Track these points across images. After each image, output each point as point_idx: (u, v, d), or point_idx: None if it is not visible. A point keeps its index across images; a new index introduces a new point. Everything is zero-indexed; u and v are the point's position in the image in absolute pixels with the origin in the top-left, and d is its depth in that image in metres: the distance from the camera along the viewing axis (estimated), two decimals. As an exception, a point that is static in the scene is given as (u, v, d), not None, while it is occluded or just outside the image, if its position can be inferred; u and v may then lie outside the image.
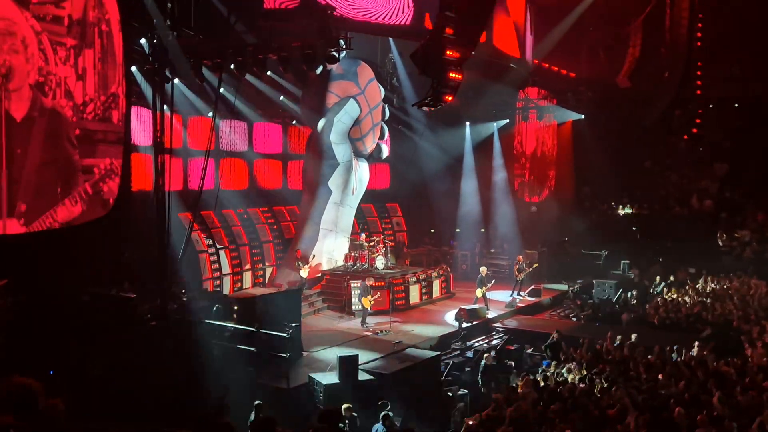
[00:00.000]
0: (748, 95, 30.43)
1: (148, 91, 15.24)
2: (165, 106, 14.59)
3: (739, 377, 11.39)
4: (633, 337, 14.86)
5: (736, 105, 31.74)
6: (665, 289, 21.24)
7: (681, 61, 31.13)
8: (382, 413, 10.10)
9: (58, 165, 14.48)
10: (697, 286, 21.15)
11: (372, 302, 18.03)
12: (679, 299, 19.64)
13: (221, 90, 16.90)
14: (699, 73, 31.63)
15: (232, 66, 16.21)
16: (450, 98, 14.14)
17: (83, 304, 14.11)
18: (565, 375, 12.62)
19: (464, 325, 17.86)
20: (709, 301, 18.90)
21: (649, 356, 13.21)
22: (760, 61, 30.15)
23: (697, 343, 13.89)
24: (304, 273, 19.86)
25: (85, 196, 15.06)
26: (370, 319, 18.13)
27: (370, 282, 18.38)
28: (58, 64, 14.15)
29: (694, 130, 31.83)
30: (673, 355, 13.50)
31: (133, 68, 16.17)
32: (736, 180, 28.94)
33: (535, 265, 22.48)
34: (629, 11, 30.47)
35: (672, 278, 22.39)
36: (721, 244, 25.92)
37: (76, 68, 14.64)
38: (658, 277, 22.57)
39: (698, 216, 27.48)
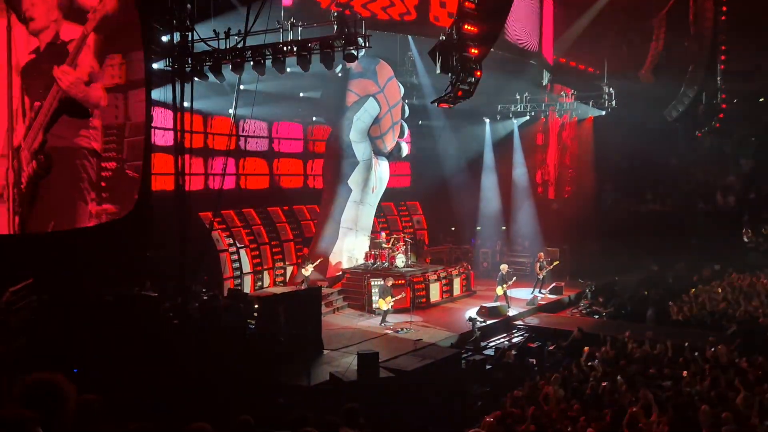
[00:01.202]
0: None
1: (168, 91, 15.32)
2: (185, 106, 14.67)
3: (764, 375, 11.19)
4: (653, 334, 14.68)
5: (762, 99, 31.23)
6: (690, 287, 20.97)
7: (705, 55, 30.69)
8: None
9: (84, 166, 14.43)
10: (723, 283, 20.84)
11: (392, 303, 17.92)
12: (705, 296, 19.36)
13: (241, 88, 16.95)
14: (723, 67, 31.17)
15: (251, 65, 16.25)
16: (469, 95, 14.04)
17: (106, 304, 14.25)
18: (588, 373, 12.48)
19: (478, 325, 17.58)
20: (734, 297, 18.62)
21: (674, 354, 13.03)
22: (786, 54, 29.68)
23: (721, 341, 13.68)
24: (306, 272, 19.92)
25: (111, 199, 15.09)
26: (390, 318, 18.12)
27: (389, 283, 18.31)
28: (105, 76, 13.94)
29: (718, 126, 31.38)
30: (697, 353, 13.29)
31: (155, 65, 16.26)
32: (761, 176, 28.48)
33: (556, 263, 22.31)
34: (652, 4, 30.10)
35: (697, 276, 22.09)
36: (746, 240, 25.53)
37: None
38: (683, 275, 22.29)
39: (723, 212, 27.08)
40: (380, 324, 17.78)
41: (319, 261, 20.55)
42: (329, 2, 17.49)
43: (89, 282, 14.13)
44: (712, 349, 12.94)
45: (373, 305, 18.97)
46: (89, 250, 14.36)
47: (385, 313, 17.94)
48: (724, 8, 30.69)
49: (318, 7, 17.55)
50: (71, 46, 14.39)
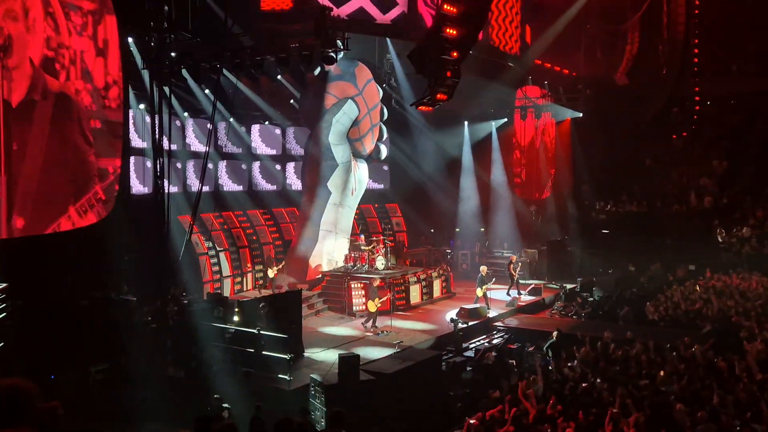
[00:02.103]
0: (746, 91, 30.46)
1: (145, 95, 15.23)
2: (164, 109, 14.58)
3: (739, 373, 11.39)
4: (631, 334, 14.87)
5: (733, 102, 31.78)
6: (665, 287, 21.25)
7: (678, 58, 31.20)
8: None
9: (68, 166, 13.38)
10: (698, 283, 21.14)
11: (379, 305, 17.85)
12: (680, 296, 19.63)
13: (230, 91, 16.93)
14: (696, 69, 31.69)
15: (229, 68, 16.22)
16: (447, 97, 14.14)
17: (83, 308, 14.12)
18: (567, 373, 12.61)
19: (460, 326, 17.72)
20: (708, 297, 18.90)
21: (650, 354, 13.20)
22: (757, 58, 30.21)
23: (695, 341, 13.91)
24: (271, 273, 19.88)
25: (96, 203, 14.40)
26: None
27: (376, 284, 18.28)
28: (72, 34, 12.37)
29: (693, 127, 31.89)
30: (674, 352, 13.49)
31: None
32: (734, 177, 28.94)
33: (520, 264, 22.34)
34: (626, 8, 30.54)
35: (672, 276, 22.39)
36: (720, 240, 25.91)
37: (95, 40, 12.82)
38: (658, 275, 22.58)
39: (697, 213, 27.48)
40: (371, 327, 17.63)
41: (282, 265, 20.53)
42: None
43: (65, 286, 13.99)
44: (690, 350, 13.15)
45: (354, 308, 18.98)
46: (65, 254, 14.21)
47: (374, 315, 17.82)
48: (696, 12, 31.25)
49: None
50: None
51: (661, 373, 11.56)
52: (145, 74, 15.05)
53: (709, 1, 30.98)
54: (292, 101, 22.29)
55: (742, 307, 17.32)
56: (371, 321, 17.75)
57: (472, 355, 16.29)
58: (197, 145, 20.15)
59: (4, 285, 12.88)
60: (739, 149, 29.77)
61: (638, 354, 13.19)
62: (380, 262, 20.76)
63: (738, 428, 8.86)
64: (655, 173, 30.11)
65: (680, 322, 17.26)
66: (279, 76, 19.88)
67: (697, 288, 20.13)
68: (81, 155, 13.67)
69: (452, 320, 17.73)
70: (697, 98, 32.06)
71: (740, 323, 15.82)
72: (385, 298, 17.98)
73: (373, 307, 17.71)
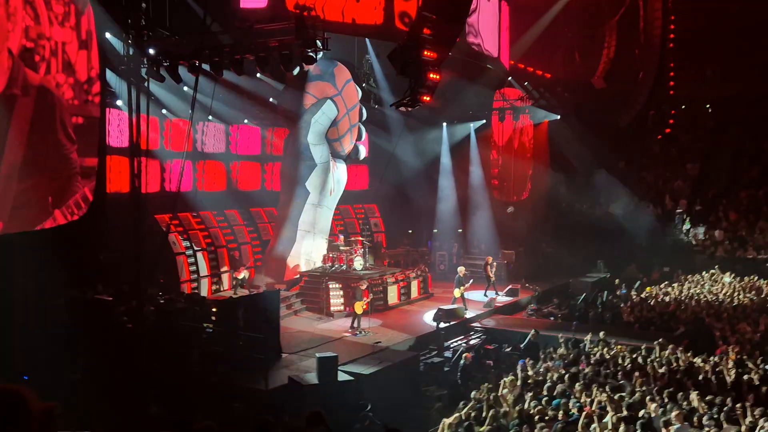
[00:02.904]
0: (721, 96, 30.94)
1: (123, 93, 15.07)
2: (141, 108, 14.44)
3: (712, 374, 11.58)
4: (607, 336, 15.02)
5: (708, 106, 32.27)
6: (640, 288, 21.52)
7: (655, 62, 31.59)
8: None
9: (49, 166, 13.01)
10: (672, 285, 21.44)
11: (364, 306, 17.79)
12: (653, 298, 19.89)
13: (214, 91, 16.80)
14: (672, 74, 32.12)
15: (208, 67, 16.10)
16: (428, 99, 14.17)
17: (58, 307, 13.94)
18: (544, 374, 12.71)
19: (442, 325, 17.87)
20: (682, 299, 19.18)
21: (626, 355, 13.36)
22: (732, 62, 30.69)
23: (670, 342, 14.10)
24: (240, 276, 19.93)
25: (84, 205, 14.11)
26: (346, 321, 18.14)
27: (363, 286, 18.17)
28: (54, 24, 11.90)
29: (668, 131, 32.32)
30: (652, 353, 13.65)
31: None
32: (708, 180, 29.40)
33: (495, 264, 22.45)
34: (603, 12, 30.83)
35: (646, 277, 22.68)
36: (694, 243, 26.30)
37: (78, 30, 12.37)
38: (632, 277, 22.85)
39: (671, 216, 27.86)
40: (356, 327, 17.61)
41: (249, 266, 20.49)
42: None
43: (41, 285, 13.79)
44: (664, 351, 13.33)
45: (332, 308, 18.98)
46: (41, 253, 14.01)
47: (359, 316, 17.75)
48: (672, 17, 31.67)
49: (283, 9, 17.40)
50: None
51: (636, 374, 11.70)
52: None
53: (684, 6, 31.41)
54: (271, 100, 22.18)
55: (714, 309, 17.61)
56: (356, 321, 17.75)
57: (450, 355, 16.35)
58: (175, 145, 19.96)
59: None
60: (712, 153, 30.25)
61: (614, 355, 13.34)
62: (358, 263, 20.75)
63: (713, 429, 9.00)
64: (631, 176, 30.48)
65: (654, 323, 17.49)
66: (258, 75, 19.78)
67: (669, 291, 20.42)
68: (63, 153, 13.33)
69: (435, 319, 17.88)
70: (672, 102, 32.50)
71: (713, 324, 16.08)
72: (367, 300, 17.99)
73: (359, 308, 17.71)
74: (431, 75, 13.80)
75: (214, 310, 14.70)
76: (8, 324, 12.53)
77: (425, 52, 13.59)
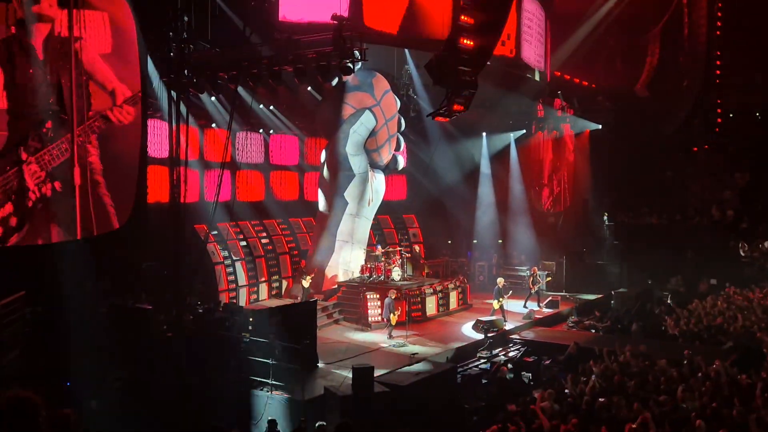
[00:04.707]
0: (769, 103, 30.08)
1: (164, 103, 15.31)
2: (181, 118, 14.65)
3: (761, 391, 11.14)
4: (651, 349, 14.62)
5: (758, 114, 31.36)
6: (686, 301, 20.93)
7: (700, 69, 30.86)
8: None
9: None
10: (719, 298, 20.80)
11: (396, 317, 17.86)
12: (701, 311, 19.31)
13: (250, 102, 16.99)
14: (718, 81, 31.31)
15: (247, 78, 16.28)
16: (464, 108, 14.04)
17: (101, 316, 14.18)
18: (584, 388, 12.42)
19: (490, 334, 17.68)
20: (731, 312, 18.58)
21: (670, 369, 12.97)
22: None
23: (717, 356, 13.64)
24: (306, 283, 19.89)
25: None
26: (383, 332, 18.11)
27: (393, 296, 18.20)
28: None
29: (715, 140, 31.49)
30: (696, 367, 13.23)
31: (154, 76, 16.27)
32: (757, 189, 28.54)
33: (548, 279, 22.27)
34: (647, 19, 30.28)
35: (693, 290, 22.06)
36: (742, 254, 25.52)
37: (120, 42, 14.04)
38: (678, 289, 22.27)
39: (719, 227, 27.11)
40: (390, 337, 17.69)
41: (314, 273, 20.53)
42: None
43: (83, 294, 14.06)
44: (711, 366, 12.90)
45: (369, 318, 18.94)
46: (84, 262, 14.29)
47: (392, 327, 17.86)
48: (719, 23, 30.90)
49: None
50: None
51: (681, 389, 11.34)
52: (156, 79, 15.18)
53: (731, 11, 30.63)
54: (309, 111, 22.32)
55: (765, 323, 17.01)
56: (391, 331, 17.74)
57: (488, 367, 16.14)
58: (214, 155, 20.20)
59: (22, 293, 12.99)
60: (762, 162, 29.35)
61: (658, 369, 12.96)
62: (396, 273, 20.67)
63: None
64: (676, 186, 29.80)
65: (701, 337, 16.97)
66: (297, 86, 19.96)
67: (716, 304, 19.81)
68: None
69: (482, 327, 17.88)
70: (719, 110, 31.66)
71: (763, 339, 15.52)
72: (397, 312, 17.96)
73: (394, 319, 17.72)
74: (468, 85, 13.62)
75: (251, 319, 14.75)
76: (51, 331, 12.80)
77: (462, 62, 13.47)
